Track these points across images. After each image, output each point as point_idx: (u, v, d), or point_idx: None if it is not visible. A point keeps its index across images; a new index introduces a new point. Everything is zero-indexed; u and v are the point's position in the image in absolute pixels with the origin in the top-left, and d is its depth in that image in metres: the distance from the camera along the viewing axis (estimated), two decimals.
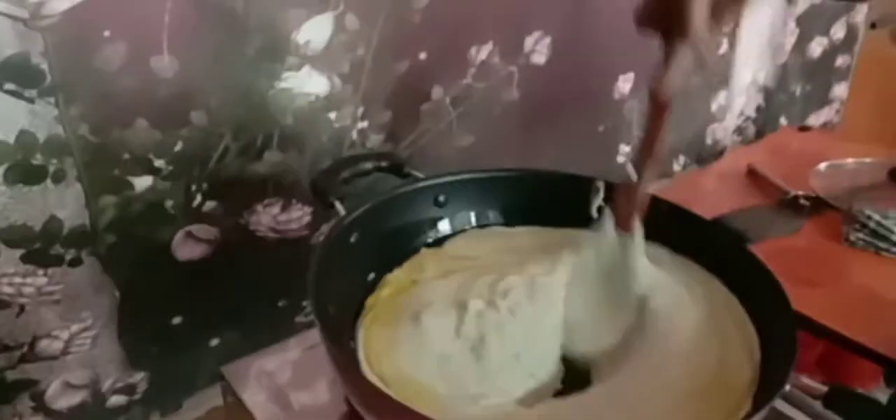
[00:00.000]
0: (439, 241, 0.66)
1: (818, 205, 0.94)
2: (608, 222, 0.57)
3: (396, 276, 0.60)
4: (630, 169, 0.55)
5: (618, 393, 0.50)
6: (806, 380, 0.49)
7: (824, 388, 0.49)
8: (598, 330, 0.55)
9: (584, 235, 0.59)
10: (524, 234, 0.67)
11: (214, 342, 0.76)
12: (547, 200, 0.65)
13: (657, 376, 0.51)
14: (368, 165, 0.64)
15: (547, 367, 0.53)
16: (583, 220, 0.58)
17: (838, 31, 1.39)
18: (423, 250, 0.64)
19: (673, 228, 0.63)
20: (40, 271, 0.62)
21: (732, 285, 0.59)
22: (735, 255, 0.60)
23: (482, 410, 0.49)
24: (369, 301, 0.57)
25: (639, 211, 0.56)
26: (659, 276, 0.58)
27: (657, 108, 0.53)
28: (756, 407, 0.47)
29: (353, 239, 0.58)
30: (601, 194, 0.57)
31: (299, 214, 0.76)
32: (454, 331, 0.52)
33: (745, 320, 0.57)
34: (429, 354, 0.52)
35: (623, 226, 0.57)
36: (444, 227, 0.66)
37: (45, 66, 0.57)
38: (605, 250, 0.57)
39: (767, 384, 0.49)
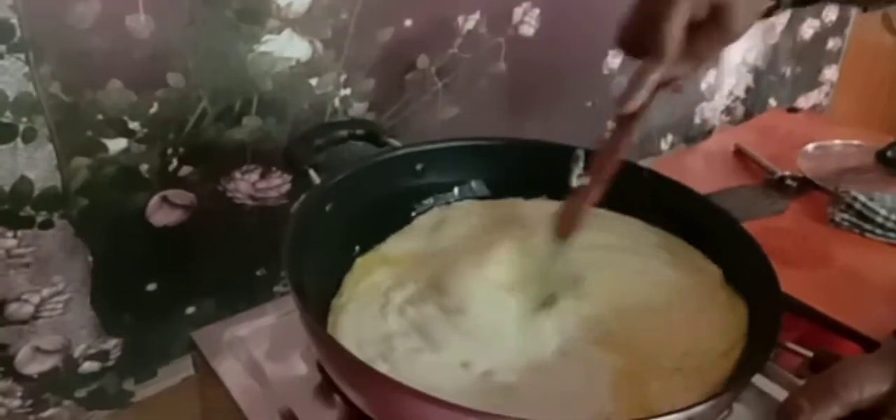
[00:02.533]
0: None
1: (804, 185, 0.94)
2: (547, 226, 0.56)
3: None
4: (581, 178, 0.55)
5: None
6: (791, 346, 0.49)
7: (809, 354, 0.49)
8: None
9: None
10: (468, 218, 0.65)
11: (190, 310, 0.74)
12: (527, 170, 0.64)
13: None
14: (343, 133, 0.63)
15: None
16: (564, 189, 0.57)
17: (830, 14, 1.38)
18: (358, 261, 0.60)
19: (659, 200, 0.62)
20: (10, 233, 0.61)
21: (718, 258, 0.59)
22: (723, 230, 0.59)
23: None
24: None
25: (580, 220, 0.55)
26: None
27: (620, 123, 0.53)
28: (739, 377, 0.47)
29: (328, 208, 0.57)
30: (581, 163, 0.56)
31: (279, 182, 0.75)
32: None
33: (731, 293, 0.57)
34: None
35: (562, 231, 0.55)
36: (424, 198, 0.64)
37: (14, 21, 0.55)
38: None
39: (751, 357, 0.48)
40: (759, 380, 0.49)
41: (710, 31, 0.48)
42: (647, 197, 0.63)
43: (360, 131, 0.64)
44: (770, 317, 0.49)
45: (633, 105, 0.50)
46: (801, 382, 0.47)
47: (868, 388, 0.43)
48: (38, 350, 0.67)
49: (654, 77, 0.49)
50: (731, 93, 1.25)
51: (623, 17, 0.52)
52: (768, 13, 0.53)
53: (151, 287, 0.71)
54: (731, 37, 0.49)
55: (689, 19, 0.48)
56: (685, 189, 0.64)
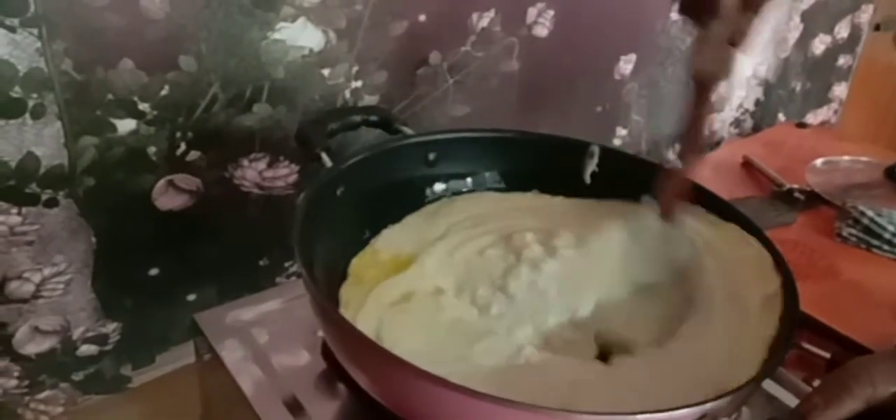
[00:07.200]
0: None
1: (812, 199, 0.94)
2: (651, 208, 0.57)
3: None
4: (674, 157, 0.56)
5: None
6: (808, 346, 0.49)
7: (827, 355, 0.48)
8: (633, 313, 0.54)
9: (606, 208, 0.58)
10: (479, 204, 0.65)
11: (191, 297, 0.74)
12: (541, 164, 0.64)
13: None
14: (357, 118, 0.62)
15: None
16: (578, 186, 0.56)
17: (842, 31, 1.38)
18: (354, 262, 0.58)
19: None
20: (14, 210, 0.60)
21: None
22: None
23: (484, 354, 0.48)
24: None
25: (683, 198, 0.57)
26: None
27: (699, 90, 0.54)
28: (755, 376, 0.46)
29: (339, 192, 0.56)
30: (596, 160, 0.56)
31: (286, 172, 0.74)
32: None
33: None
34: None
35: (667, 212, 0.57)
36: (437, 186, 0.64)
37: None
38: (645, 232, 0.57)
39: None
40: (769, 385, 0.49)
41: None
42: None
43: (373, 117, 0.64)
44: (786, 315, 0.49)
45: (703, 66, 0.51)
46: (809, 389, 0.46)
47: (880, 384, 0.43)
48: (36, 330, 0.66)
49: (718, 31, 0.50)
50: (740, 105, 1.25)
51: None
52: None
53: (154, 272, 0.70)
54: None
55: None
56: (703, 190, 0.63)
